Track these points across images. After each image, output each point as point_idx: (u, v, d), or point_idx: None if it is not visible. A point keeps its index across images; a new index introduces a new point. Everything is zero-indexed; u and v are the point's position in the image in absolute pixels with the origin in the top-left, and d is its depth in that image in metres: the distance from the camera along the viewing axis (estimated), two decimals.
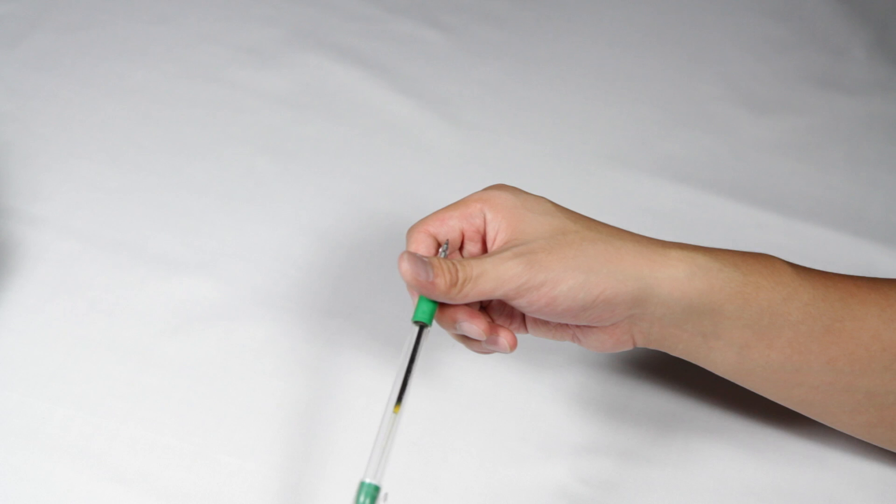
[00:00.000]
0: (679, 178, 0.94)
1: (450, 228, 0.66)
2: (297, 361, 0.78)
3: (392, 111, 0.98)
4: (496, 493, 0.71)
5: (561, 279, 0.63)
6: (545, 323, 0.68)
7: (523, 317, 0.69)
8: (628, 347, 0.68)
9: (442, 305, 0.65)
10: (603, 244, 0.65)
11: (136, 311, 0.80)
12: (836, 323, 0.66)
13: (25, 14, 1.04)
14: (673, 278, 0.65)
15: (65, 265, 0.83)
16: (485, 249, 0.67)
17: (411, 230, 0.67)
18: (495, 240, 0.66)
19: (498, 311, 0.69)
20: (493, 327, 0.66)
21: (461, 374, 0.77)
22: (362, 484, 0.62)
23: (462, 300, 0.64)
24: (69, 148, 0.92)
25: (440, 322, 0.66)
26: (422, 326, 0.64)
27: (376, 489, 0.62)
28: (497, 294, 0.63)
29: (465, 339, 0.67)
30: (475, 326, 0.65)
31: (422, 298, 0.65)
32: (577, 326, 0.67)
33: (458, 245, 0.67)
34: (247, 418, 0.74)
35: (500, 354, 0.78)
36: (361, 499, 0.61)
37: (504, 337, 0.66)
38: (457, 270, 0.63)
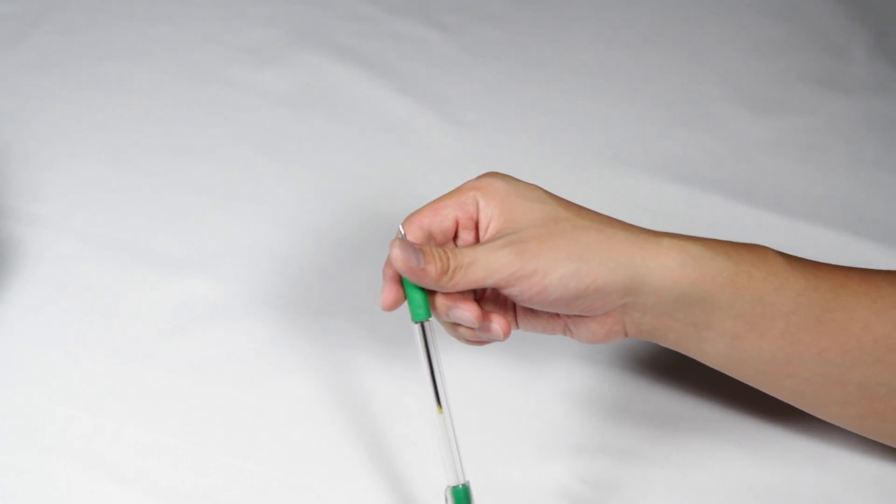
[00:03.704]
0: (679, 178, 0.94)
1: (444, 217, 0.66)
2: (297, 361, 0.78)
3: (392, 111, 0.98)
4: (496, 493, 0.71)
5: (552, 268, 0.63)
6: (536, 316, 0.68)
7: (515, 311, 0.69)
8: (620, 338, 0.67)
9: (433, 293, 0.65)
10: (595, 232, 0.65)
11: (136, 311, 0.80)
12: (827, 314, 0.66)
13: (25, 14, 1.04)
14: (665, 267, 0.65)
15: (65, 265, 0.83)
16: (478, 237, 0.67)
17: (405, 223, 0.66)
18: (488, 228, 0.66)
19: (491, 304, 0.68)
20: (486, 314, 0.65)
21: (461, 373, 0.77)
22: (453, 490, 0.65)
23: (453, 288, 0.64)
24: (69, 148, 0.92)
25: (432, 311, 0.65)
26: (423, 324, 0.65)
27: (466, 488, 0.65)
28: (488, 282, 0.63)
29: (458, 329, 0.67)
30: (467, 313, 0.64)
31: (412, 295, 0.64)
32: (569, 317, 0.67)
33: (453, 234, 0.67)
34: (247, 418, 0.74)
35: (499, 353, 0.78)
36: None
37: (497, 323, 0.66)
38: (448, 258, 0.63)
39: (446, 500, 0.65)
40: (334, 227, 0.87)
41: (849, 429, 0.71)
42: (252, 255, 0.85)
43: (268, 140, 0.95)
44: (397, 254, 0.63)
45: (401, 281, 0.65)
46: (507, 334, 0.66)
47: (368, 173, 0.92)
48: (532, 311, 0.68)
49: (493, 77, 1.02)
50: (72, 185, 0.89)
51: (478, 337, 0.67)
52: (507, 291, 0.64)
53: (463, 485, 0.65)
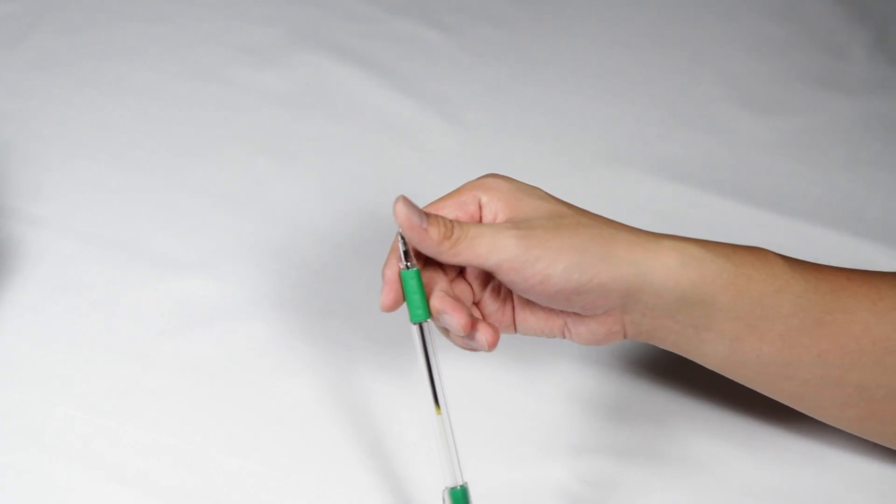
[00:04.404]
0: (679, 178, 0.94)
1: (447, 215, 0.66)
2: (297, 361, 0.78)
3: (392, 111, 0.98)
4: (496, 493, 0.71)
5: (558, 258, 0.63)
6: (535, 316, 0.68)
7: (513, 313, 0.69)
8: (619, 339, 0.67)
9: (433, 285, 0.65)
10: (598, 229, 0.65)
11: (136, 311, 0.80)
12: (826, 316, 0.66)
13: (25, 14, 1.04)
14: (666, 267, 0.64)
15: (65, 265, 0.83)
16: None
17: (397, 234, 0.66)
18: (494, 220, 0.66)
19: (490, 304, 0.68)
20: (474, 323, 0.65)
21: (461, 374, 0.77)
22: (451, 491, 0.64)
23: (454, 257, 0.63)
24: (69, 148, 0.92)
25: (430, 313, 0.65)
26: (421, 325, 0.64)
27: (464, 489, 0.65)
28: (490, 261, 0.63)
29: (450, 334, 0.67)
30: (455, 320, 0.64)
31: (410, 296, 0.64)
32: (568, 315, 0.67)
33: None
34: (247, 418, 0.74)
35: (498, 353, 0.78)
36: None
37: (483, 333, 0.65)
38: (453, 225, 0.63)
39: (444, 501, 0.65)
40: (334, 227, 0.87)
41: (848, 431, 0.71)
42: (252, 255, 0.85)
43: (268, 140, 0.95)
44: (401, 209, 0.63)
45: (400, 282, 0.65)
46: (492, 345, 0.65)
47: (368, 173, 0.92)
48: (531, 311, 0.68)
49: (493, 77, 1.03)
50: (72, 185, 0.89)
51: (467, 344, 0.66)
52: (510, 278, 0.63)
53: (461, 486, 0.65)
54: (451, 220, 0.63)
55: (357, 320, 0.80)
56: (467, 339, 0.65)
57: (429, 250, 0.63)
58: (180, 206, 0.88)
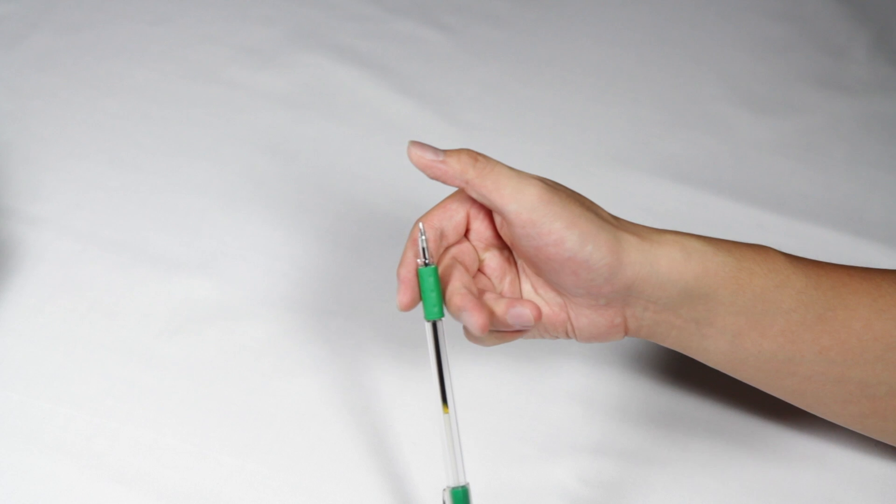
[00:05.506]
0: (679, 178, 0.94)
1: (454, 212, 0.66)
2: (297, 361, 0.78)
3: (392, 111, 0.98)
4: (496, 493, 0.71)
5: (575, 224, 0.63)
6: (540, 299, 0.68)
7: None
8: (620, 335, 0.67)
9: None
10: (609, 217, 0.65)
11: (136, 311, 0.80)
12: (828, 312, 0.67)
13: (25, 14, 1.04)
14: (671, 258, 0.65)
15: (65, 265, 0.83)
16: (492, 221, 0.67)
17: (416, 224, 0.66)
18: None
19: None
20: (511, 302, 0.65)
21: (461, 374, 0.77)
22: (453, 491, 0.64)
23: (480, 187, 0.63)
24: (69, 148, 0.92)
25: (451, 309, 0.64)
26: (435, 323, 0.64)
27: (465, 490, 0.64)
28: (510, 206, 0.63)
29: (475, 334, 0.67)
30: (473, 319, 0.62)
31: (426, 293, 0.64)
32: (571, 308, 0.66)
33: (464, 228, 0.67)
34: (247, 418, 0.74)
35: (500, 353, 0.78)
36: None
37: (525, 308, 0.64)
38: (476, 155, 0.64)
39: (444, 501, 0.65)
40: (334, 227, 0.87)
41: (849, 427, 0.71)
42: (252, 255, 0.85)
43: (268, 140, 0.95)
44: (414, 151, 0.63)
45: (417, 281, 0.64)
46: (538, 318, 0.65)
47: (368, 173, 0.92)
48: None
49: (493, 77, 1.03)
50: (72, 185, 0.89)
51: (506, 326, 0.66)
52: (525, 231, 0.63)
53: (462, 486, 0.65)
54: (472, 151, 0.64)
55: (357, 320, 0.80)
56: (509, 319, 0.64)
57: (455, 181, 0.64)
58: (180, 206, 0.88)
